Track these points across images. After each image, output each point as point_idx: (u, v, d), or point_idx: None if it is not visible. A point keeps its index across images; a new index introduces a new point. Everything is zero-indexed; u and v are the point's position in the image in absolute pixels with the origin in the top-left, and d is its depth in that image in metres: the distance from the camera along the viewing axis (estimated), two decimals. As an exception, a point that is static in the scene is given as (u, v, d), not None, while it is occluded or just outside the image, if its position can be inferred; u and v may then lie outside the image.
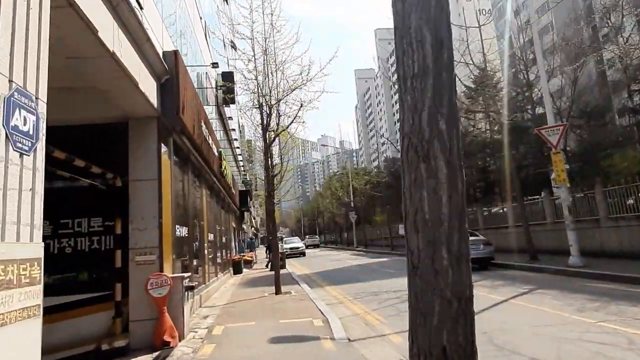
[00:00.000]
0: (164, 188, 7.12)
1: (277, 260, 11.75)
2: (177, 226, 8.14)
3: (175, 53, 7.41)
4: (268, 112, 11.92)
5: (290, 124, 11.94)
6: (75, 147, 6.26)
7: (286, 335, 6.80)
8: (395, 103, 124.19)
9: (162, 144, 7.31)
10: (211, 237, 13.09)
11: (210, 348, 6.31)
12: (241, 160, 37.60)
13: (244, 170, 39.90)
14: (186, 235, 9.02)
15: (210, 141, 11.49)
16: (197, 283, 7.24)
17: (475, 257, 14.92)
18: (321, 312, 8.61)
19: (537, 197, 21.84)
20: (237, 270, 20.55)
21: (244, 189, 28.03)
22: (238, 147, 34.39)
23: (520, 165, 17.88)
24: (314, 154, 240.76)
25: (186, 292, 7.04)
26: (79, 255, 7.09)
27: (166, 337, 6.30)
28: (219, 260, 15.21)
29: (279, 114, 12.09)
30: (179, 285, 6.82)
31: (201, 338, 6.85)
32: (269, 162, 12.03)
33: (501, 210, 21.86)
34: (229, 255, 20.03)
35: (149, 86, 6.39)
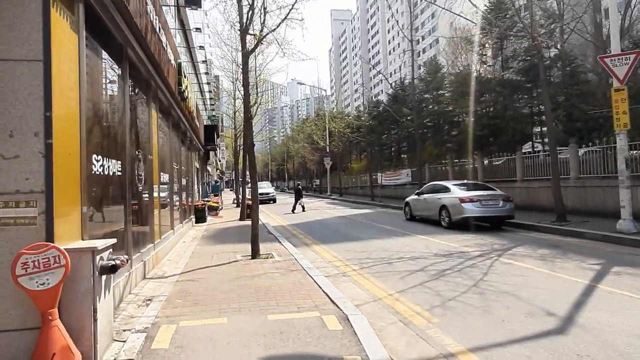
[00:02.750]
0: (58, 81, 3.72)
1: (256, 213, 8.64)
2: (95, 156, 4.79)
3: None
4: (250, 3, 8.31)
5: (282, 21, 8.35)
6: None
7: (286, 355, 3.85)
8: (372, 47, 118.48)
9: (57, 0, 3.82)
10: (165, 177, 9.74)
11: (144, 391, 3.27)
12: (209, 92, 33.42)
13: (212, 106, 35.71)
14: (118, 173, 5.68)
15: (164, 40, 7.88)
16: (126, 258, 4.10)
17: (494, 216, 12.41)
18: (327, 295, 5.71)
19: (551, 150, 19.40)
20: (200, 218, 17.41)
21: (210, 124, 24.22)
22: (206, 76, 30.05)
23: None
24: (283, 98, 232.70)
25: (104, 278, 3.86)
26: None
27: (53, 370, 3.19)
28: (176, 207, 11.97)
29: (264, 8, 8.48)
30: (86, 265, 3.62)
31: (130, 360, 3.77)
32: (247, 77, 8.57)
33: (500, 162, 19.34)
34: (190, 200, 16.75)
35: None
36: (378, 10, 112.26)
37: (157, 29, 7.15)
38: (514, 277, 6.74)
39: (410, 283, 6.64)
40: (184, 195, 14.15)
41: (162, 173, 9.20)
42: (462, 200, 12.37)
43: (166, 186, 10.01)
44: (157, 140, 8.66)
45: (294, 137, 51.49)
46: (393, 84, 29.17)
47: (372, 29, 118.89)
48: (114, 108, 5.71)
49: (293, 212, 21.63)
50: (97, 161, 4.82)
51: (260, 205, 21.31)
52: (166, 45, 8.05)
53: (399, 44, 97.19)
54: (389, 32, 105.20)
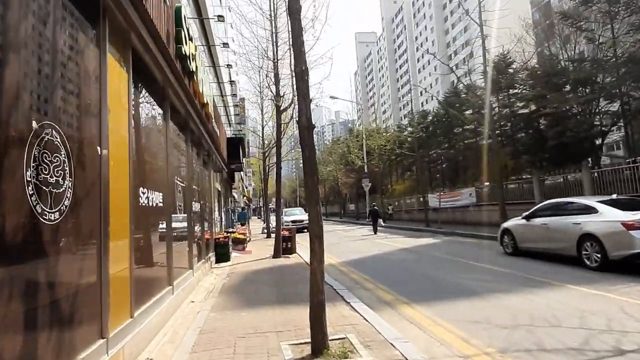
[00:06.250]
0: None
1: (320, 263, 4.37)
2: None
3: None
4: None
5: None
6: None
7: None
8: (400, 67, 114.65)
9: None
10: (155, 197, 5.62)
11: None
12: (237, 115, 30.05)
13: (240, 131, 32.29)
14: None
15: None
16: None
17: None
18: None
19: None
20: (222, 256, 13.23)
21: (235, 137, 20.33)
22: (233, 98, 26.58)
23: None
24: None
25: None
26: None
27: None
28: (182, 246, 7.84)
29: None
30: None
31: None
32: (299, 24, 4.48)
33: (611, 170, 14.54)
34: (208, 232, 12.64)
35: None
36: (405, 29, 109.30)
37: None
38: None
39: None
40: (197, 226, 10.06)
41: (143, 189, 5.07)
42: (631, 227, 7.75)
43: (159, 213, 5.89)
44: (130, 121, 4.58)
45: (325, 160, 47.17)
46: (455, 82, 24.62)
47: (399, 49, 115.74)
48: None
49: (375, 233, 21.77)
50: None
51: (296, 235, 16.88)
52: None
53: (429, 61, 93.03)
54: (417, 49, 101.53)
